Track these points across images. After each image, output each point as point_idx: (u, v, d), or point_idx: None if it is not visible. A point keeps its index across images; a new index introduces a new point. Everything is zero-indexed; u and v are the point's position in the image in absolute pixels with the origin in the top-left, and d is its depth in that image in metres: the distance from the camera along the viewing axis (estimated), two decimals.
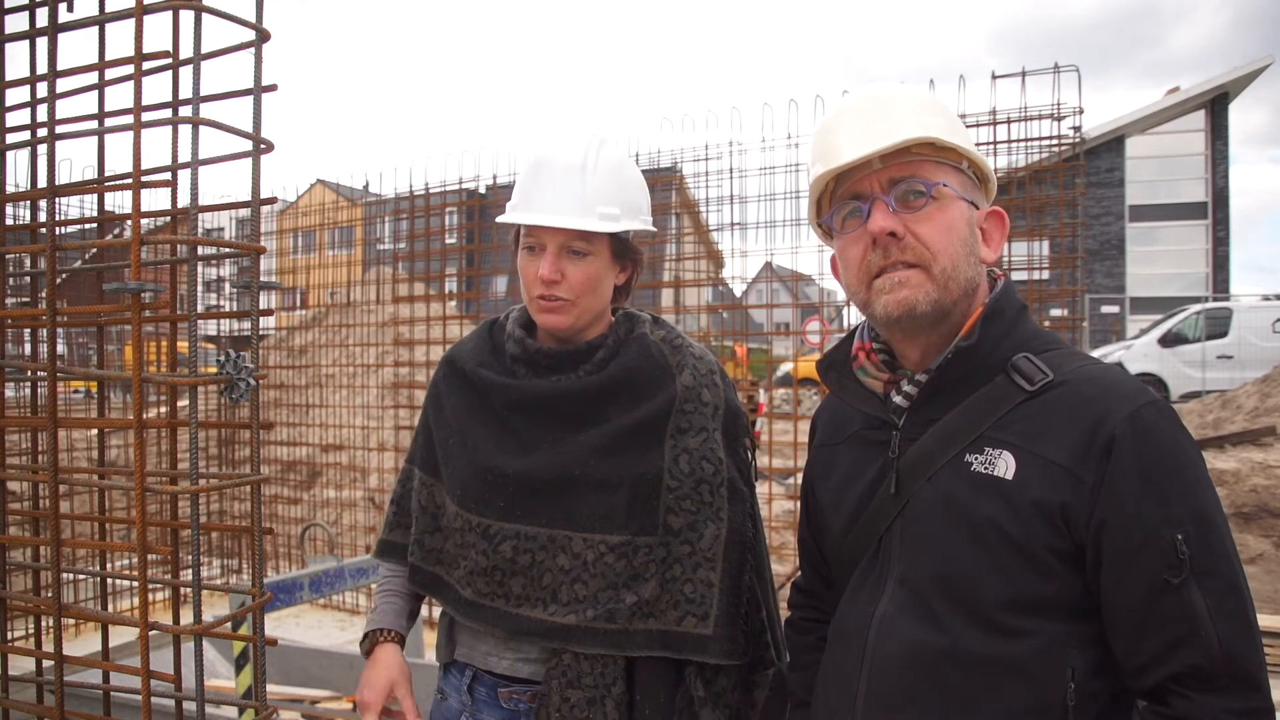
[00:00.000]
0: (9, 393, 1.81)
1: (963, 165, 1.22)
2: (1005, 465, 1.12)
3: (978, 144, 1.33)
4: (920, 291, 1.17)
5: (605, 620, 1.47)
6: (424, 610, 5.28)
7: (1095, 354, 1.42)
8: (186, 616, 1.21)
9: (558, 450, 1.53)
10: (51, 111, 1.18)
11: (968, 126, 1.35)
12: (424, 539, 1.65)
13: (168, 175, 1.20)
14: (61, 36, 1.18)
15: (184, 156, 1.13)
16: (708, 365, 1.62)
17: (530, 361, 1.60)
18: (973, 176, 1.24)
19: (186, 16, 1.11)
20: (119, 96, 1.92)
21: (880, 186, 1.20)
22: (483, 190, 6.71)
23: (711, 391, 1.58)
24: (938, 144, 1.19)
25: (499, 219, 1.59)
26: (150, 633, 1.10)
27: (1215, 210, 23.27)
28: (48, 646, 1.27)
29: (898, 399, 1.25)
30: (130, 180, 1.10)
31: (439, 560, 1.63)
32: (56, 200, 1.21)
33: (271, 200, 1.35)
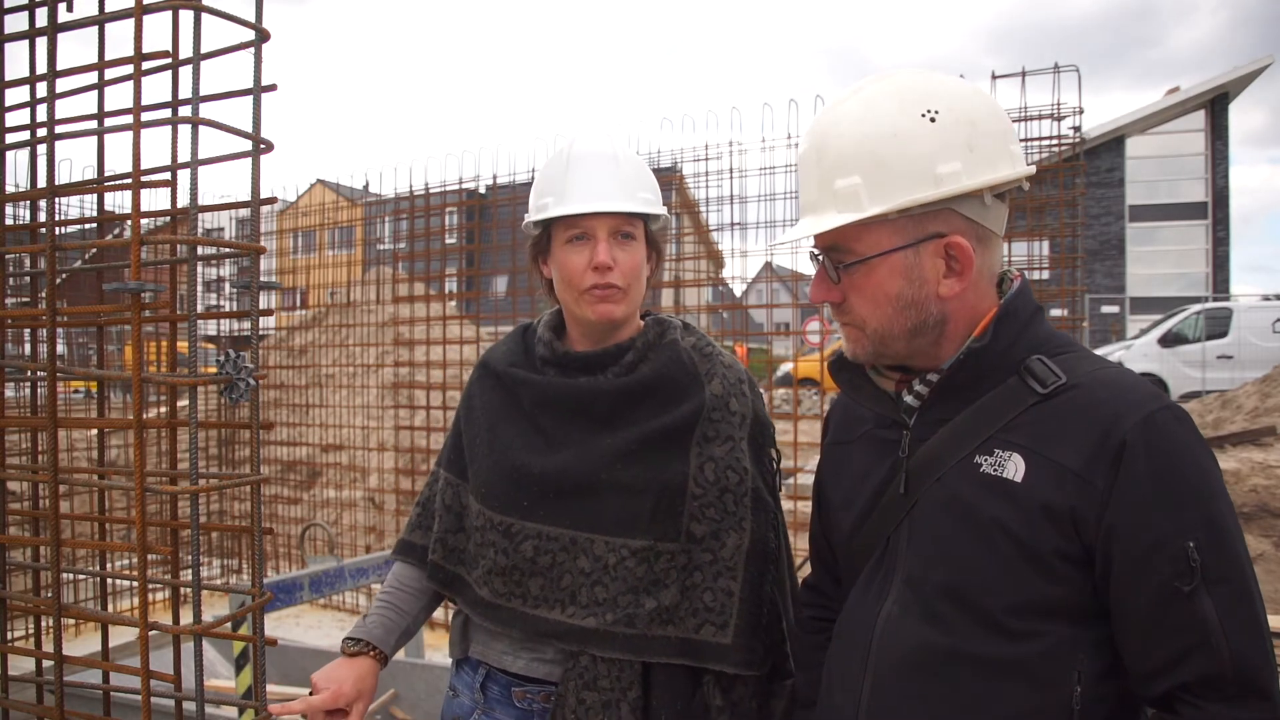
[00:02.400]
0: (9, 393, 1.81)
1: (890, 216, 1.13)
2: (1015, 467, 1.11)
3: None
4: (858, 346, 1.24)
5: (624, 625, 1.47)
6: None
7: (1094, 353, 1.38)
8: (186, 616, 1.22)
9: (584, 452, 1.53)
10: (51, 111, 1.18)
11: None
12: (447, 538, 1.66)
13: (167, 175, 1.20)
14: (61, 36, 1.18)
15: (184, 156, 1.13)
16: (736, 374, 1.62)
17: (559, 363, 1.61)
18: (923, 211, 1.14)
19: (186, 16, 1.11)
20: (119, 96, 1.93)
21: (820, 247, 1.23)
22: (483, 190, 6.71)
23: (739, 401, 1.58)
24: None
25: (535, 218, 1.58)
26: (150, 633, 1.10)
27: (1215, 210, 23.26)
28: (47, 646, 1.27)
29: (909, 399, 1.24)
30: (130, 180, 1.09)
31: (460, 560, 1.64)
32: (56, 200, 1.21)
33: (271, 200, 1.35)
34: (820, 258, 1.23)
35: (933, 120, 1.12)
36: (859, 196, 1.14)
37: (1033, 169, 1.20)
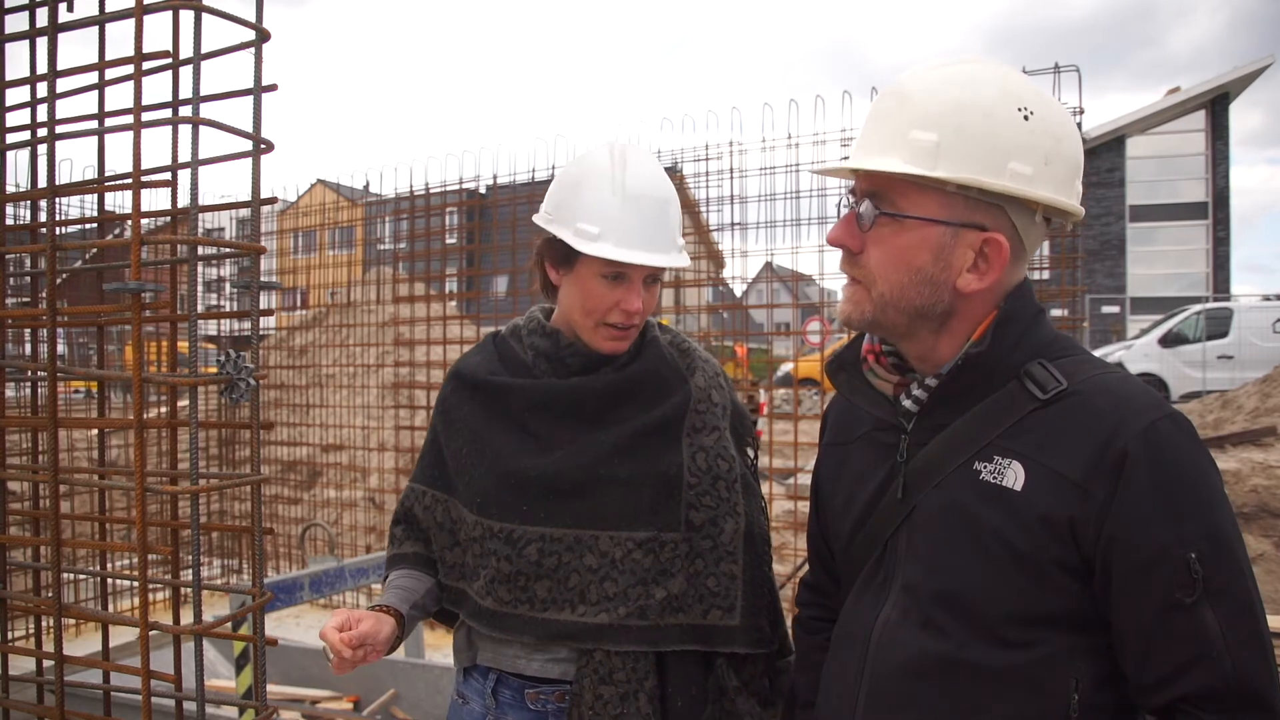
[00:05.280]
0: (9, 393, 1.81)
1: (948, 188, 1.12)
2: (1014, 476, 1.10)
3: None
4: (856, 309, 1.20)
5: (637, 617, 1.49)
6: None
7: (1095, 354, 1.34)
8: (187, 616, 1.21)
9: (578, 450, 1.55)
10: (51, 111, 1.18)
11: None
12: (445, 555, 1.66)
13: (168, 175, 1.20)
14: (61, 36, 1.18)
15: (184, 156, 1.13)
16: (714, 368, 1.69)
17: (556, 358, 1.62)
18: (979, 197, 1.12)
19: (186, 16, 1.11)
20: (119, 96, 1.93)
21: (860, 191, 1.19)
22: (483, 190, 6.71)
23: (720, 393, 1.65)
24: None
25: (582, 247, 1.51)
26: (150, 633, 1.10)
27: (1215, 210, 23.27)
28: (48, 646, 1.27)
29: (907, 403, 1.22)
30: (130, 180, 1.09)
31: (461, 575, 1.63)
32: (56, 200, 1.21)
33: (272, 200, 1.35)
34: (855, 203, 1.19)
35: (1026, 119, 1.11)
36: (931, 154, 1.11)
37: (1083, 211, 1.19)
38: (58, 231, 1.19)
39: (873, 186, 1.17)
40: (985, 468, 1.12)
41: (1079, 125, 4.64)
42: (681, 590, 1.51)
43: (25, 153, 1.32)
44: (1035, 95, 1.14)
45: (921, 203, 1.14)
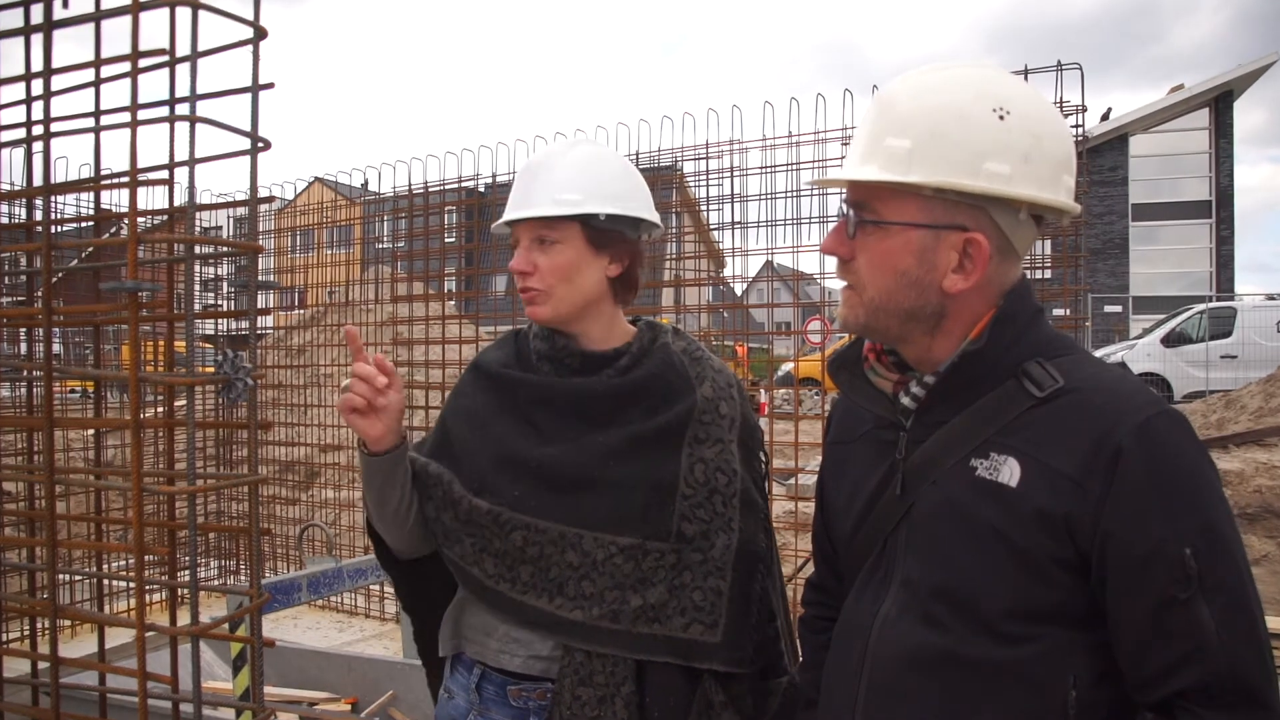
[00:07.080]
0: (5, 393, 1.80)
1: (925, 192, 1.13)
2: (1010, 471, 1.10)
3: None
4: (851, 313, 1.23)
5: (610, 620, 1.50)
6: None
7: (1098, 354, 1.36)
8: (184, 618, 1.21)
9: (579, 447, 1.56)
10: (46, 109, 1.17)
11: None
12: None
13: (164, 173, 1.19)
14: (56, 33, 1.17)
15: (181, 155, 1.12)
16: (726, 379, 1.67)
17: (555, 359, 1.64)
18: (958, 198, 1.13)
19: (183, 13, 1.10)
20: (115, 94, 1.91)
21: (849, 200, 1.22)
22: (482, 189, 6.70)
23: (729, 405, 1.63)
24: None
25: (492, 227, 1.67)
26: (147, 634, 1.09)
27: (1219, 209, 23.28)
28: (43, 648, 1.26)
29: (905, 400, 1.24)
30: (126, 178, 1.08)
31: (444, 535, 1.62)
32: (52, 198, 1.20)
33: (269, 199, 1.35)
34: (847, 212, 1.22)
35: (1001, 119, 1.12)
36: (904, 160, 1.13)
37: (1077, 208, 1.19)
38: (53, 230, 1.18)
39: (857, 195, 1.20)
40: (981, 464, 1.13)
41: (1082, 124, 4.63)
42: (661, 600, 1.51)
43: (20, 151, 1.31)
44: (1015, 94, 1.14)
45: (901, 208, 1.16)
